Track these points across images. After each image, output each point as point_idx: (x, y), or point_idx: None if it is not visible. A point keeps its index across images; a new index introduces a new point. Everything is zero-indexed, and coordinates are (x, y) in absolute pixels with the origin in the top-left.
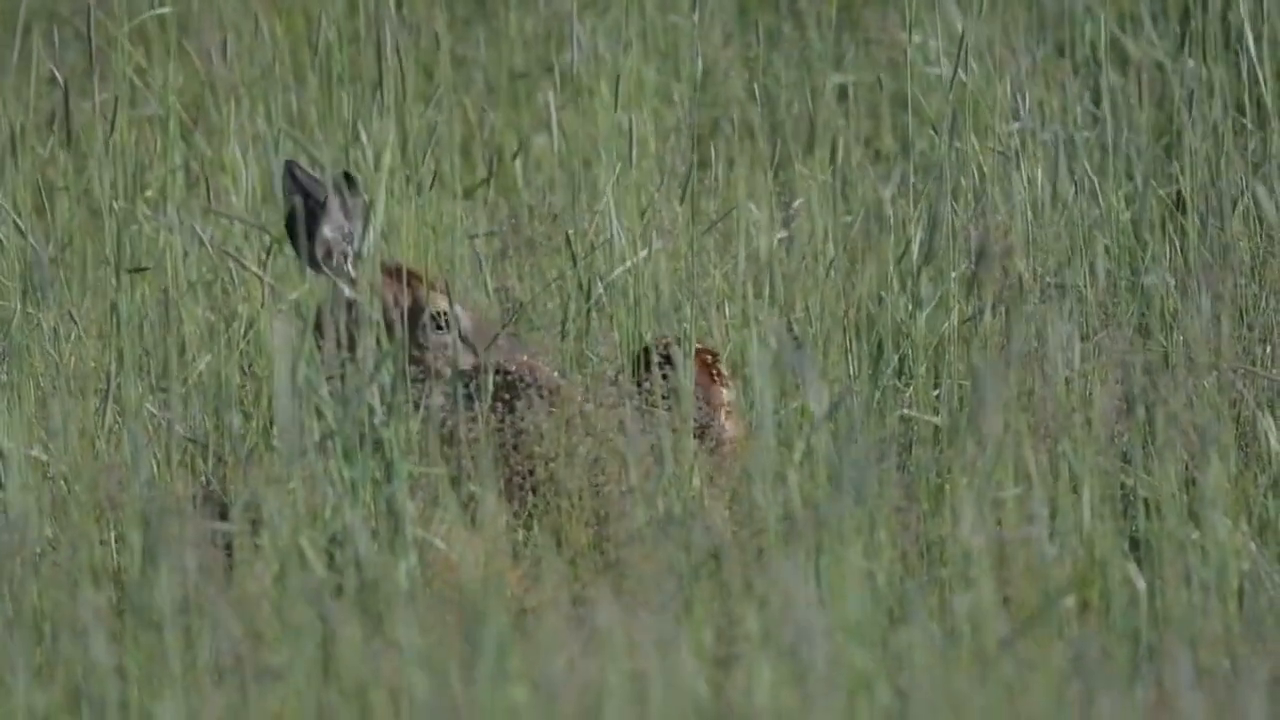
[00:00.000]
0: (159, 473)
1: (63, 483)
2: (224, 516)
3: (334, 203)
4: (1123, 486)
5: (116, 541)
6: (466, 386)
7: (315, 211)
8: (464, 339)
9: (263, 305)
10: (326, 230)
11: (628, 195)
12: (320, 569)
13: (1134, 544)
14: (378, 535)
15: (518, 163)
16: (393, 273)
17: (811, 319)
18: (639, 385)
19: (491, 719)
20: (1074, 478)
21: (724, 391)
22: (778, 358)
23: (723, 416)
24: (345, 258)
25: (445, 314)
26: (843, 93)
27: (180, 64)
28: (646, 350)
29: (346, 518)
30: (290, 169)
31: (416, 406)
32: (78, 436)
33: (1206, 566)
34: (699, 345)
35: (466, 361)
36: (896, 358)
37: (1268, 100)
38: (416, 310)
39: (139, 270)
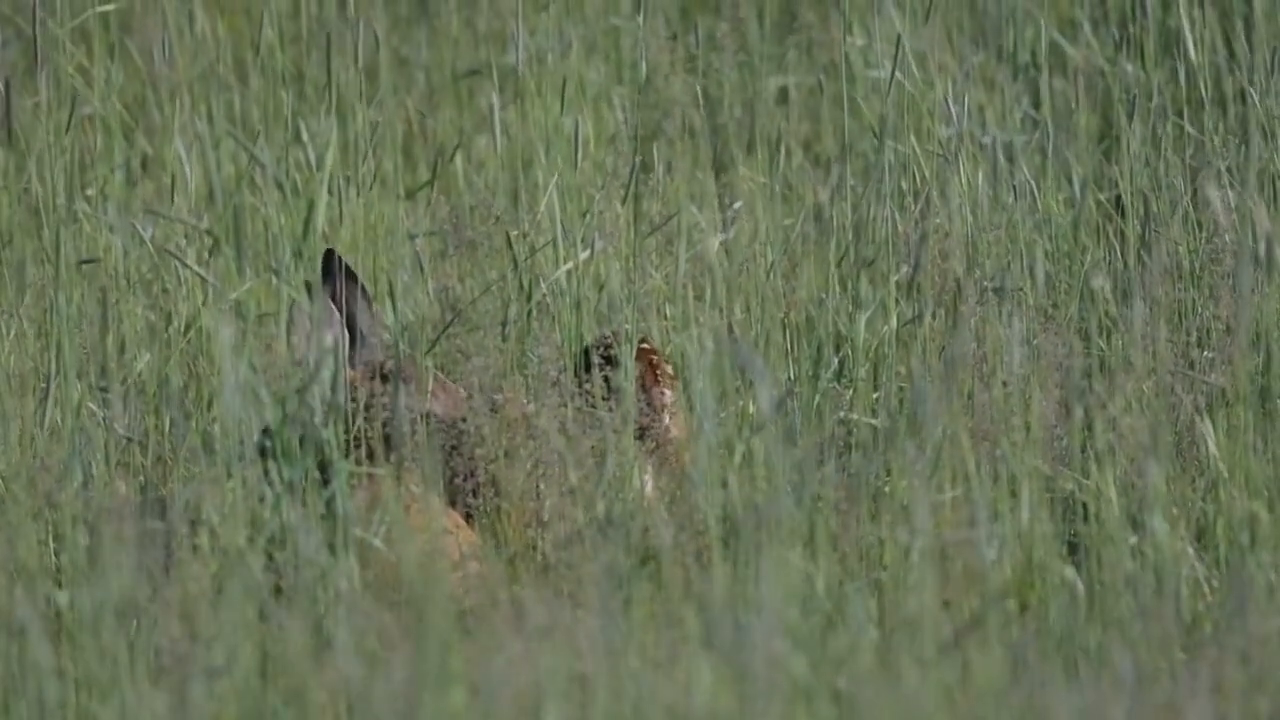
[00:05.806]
0: (99, 472)
1: (1, 482)
2: (164, 516)
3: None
4: (1062, 490)
5: (55, 541)
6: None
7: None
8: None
9: (204, 304)
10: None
11: (570, 197)
12: (259, 569)
13: (1073, 547)
14: (316, 535)
15: (459, 163)
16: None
17: (752, 321)
18: (580, 385)
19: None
20: (1013, 481)
21: (667, 392)
22: (719, 359)
23: (666, 417)
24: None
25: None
26: (784, 95)
27: (122, 63)
28: (588, 350)
29: (286, 518)
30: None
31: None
32: (16, 435)
33: (1145, 570)
34: (642, 344)
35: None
36: (837, 361)
37: (1205, 104)
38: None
39: (88, 262)
